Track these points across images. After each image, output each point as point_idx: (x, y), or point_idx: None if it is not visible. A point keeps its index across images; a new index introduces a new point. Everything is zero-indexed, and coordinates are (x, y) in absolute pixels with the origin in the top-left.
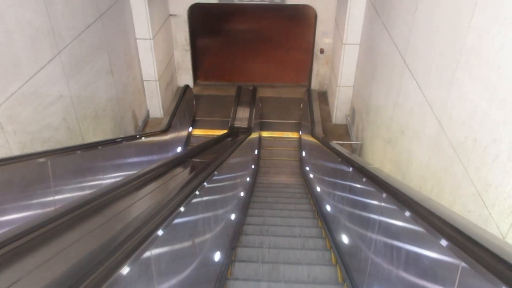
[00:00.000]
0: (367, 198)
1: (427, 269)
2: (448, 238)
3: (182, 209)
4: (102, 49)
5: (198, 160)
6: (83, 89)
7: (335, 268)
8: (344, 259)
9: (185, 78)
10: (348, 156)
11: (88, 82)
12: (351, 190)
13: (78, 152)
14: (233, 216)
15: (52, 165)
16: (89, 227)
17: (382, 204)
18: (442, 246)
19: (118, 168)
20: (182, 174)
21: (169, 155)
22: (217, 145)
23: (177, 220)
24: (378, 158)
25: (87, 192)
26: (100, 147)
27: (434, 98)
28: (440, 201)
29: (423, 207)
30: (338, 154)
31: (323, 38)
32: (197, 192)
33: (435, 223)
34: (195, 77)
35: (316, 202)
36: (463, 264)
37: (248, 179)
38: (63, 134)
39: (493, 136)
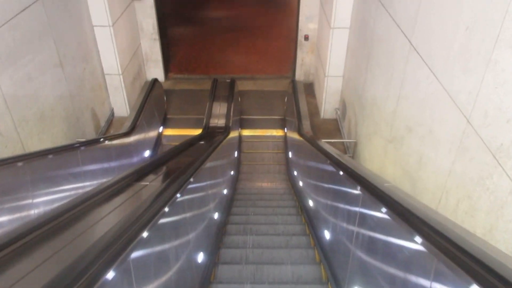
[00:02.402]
0: (374, 215)
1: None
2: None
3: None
4: (47, 37)
5: (157, 177)
6: (20, 85)
7: None
8: None
9: (155, 71)
10: (351, 166)
11: (27, 77)
12: (350, 204)
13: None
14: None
15: None
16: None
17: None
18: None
19: (60, 183)
20: (135, 197)
21: (134, 161)
22: (187, 151)
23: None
24: (377, 160)
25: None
26: (38, 158)
27: (457, 87)
28: (471, 222)
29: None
30: (335, 161)
31: (307, 23)
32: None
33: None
34: (167, 70)
35: (308, 220)
36: None
37: (225, 191)
38: None
39: None
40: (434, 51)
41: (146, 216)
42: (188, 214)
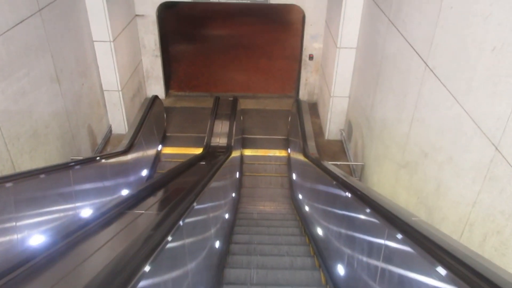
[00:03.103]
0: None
1: None
2: None
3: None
4: (44, 51)
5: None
6: (13, 100)
7: None
8: None
9: (156, 88)
10: (372, 196)
11: (21, 91)
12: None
13: None
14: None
15: None
16: None
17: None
18: None
19: (52, 205)
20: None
21: (131, 180)
22: (188, 173)
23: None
24: (387, 185)
25: None
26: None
27: (483, 112)
28: (503, 260)
29: None
30: (351, 189)
31: (312, 42)
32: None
33: None
34: (167, 87)
35: (317, 249)
36: None
37: (226, 215)
38: None
39: None
40: (454, 73)
41: (144, 253)
42: (188, 243)
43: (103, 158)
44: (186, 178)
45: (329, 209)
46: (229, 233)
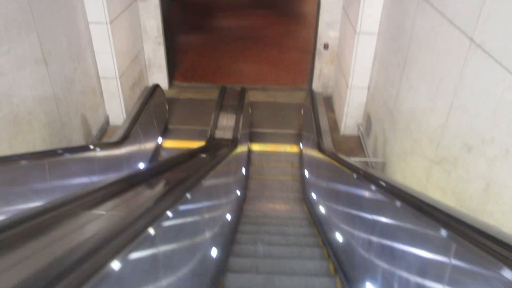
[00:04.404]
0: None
1: None
2: None
3: None
4: (28, 28)
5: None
6: None
7: None
8: None
9: (158, 77)
10: (426, 200)
11: None
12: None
13: None
14: None
15: None
16: None
17: None
18: None
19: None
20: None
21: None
22: (184, 165)
23: None
24: (416, 184)
25: None
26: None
27: None
28: None
29: None
30: (391, 190)
31: (327, 30)
32: None
33: None
34: (171, 77)
35: (336, 261)
36: None
37: (229, 217)
38: None
39: None
40: None
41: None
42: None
43: (94, 149)
44: (175, 174)
45: (360, 215)
46: (230, 239)
